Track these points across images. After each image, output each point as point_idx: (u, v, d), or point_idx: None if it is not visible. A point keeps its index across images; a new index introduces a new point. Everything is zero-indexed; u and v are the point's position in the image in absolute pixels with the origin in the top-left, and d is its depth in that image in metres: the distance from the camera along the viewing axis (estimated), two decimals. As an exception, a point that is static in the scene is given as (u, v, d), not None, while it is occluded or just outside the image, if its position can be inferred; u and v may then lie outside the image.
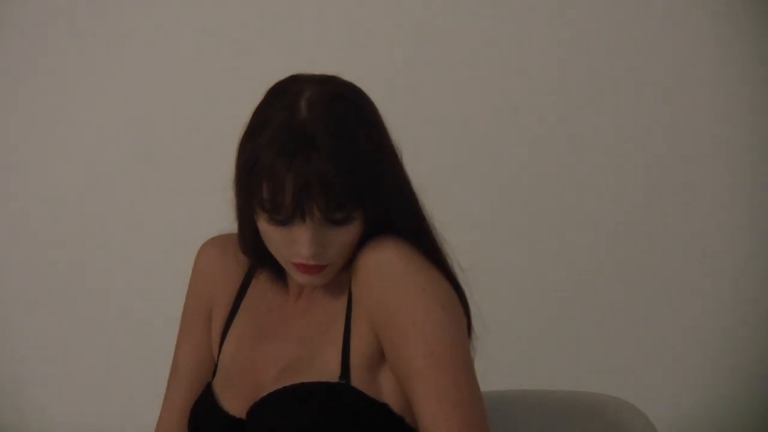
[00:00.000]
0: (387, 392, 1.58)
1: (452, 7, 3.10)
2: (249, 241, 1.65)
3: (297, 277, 1.60)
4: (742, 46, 3.05)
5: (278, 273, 1.68)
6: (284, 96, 1.56)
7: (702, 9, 3.04)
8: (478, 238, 3.03)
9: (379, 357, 1.58)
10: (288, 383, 1.58)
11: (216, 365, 1.74)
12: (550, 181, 3.11)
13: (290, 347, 1.64)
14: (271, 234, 1.57)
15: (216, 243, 1.78)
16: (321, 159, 1.51)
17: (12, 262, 3.22)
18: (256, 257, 1.67)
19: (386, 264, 1.57)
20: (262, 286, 1.73)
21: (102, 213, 3.19)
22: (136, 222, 3.19)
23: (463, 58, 3.10)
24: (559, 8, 3.07)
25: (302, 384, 1.57)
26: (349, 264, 1.62)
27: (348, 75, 1.63)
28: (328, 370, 1.58)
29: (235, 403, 1.64)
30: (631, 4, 3.06)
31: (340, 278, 1.64)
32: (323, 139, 1.51)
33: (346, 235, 1.56)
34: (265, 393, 1.60)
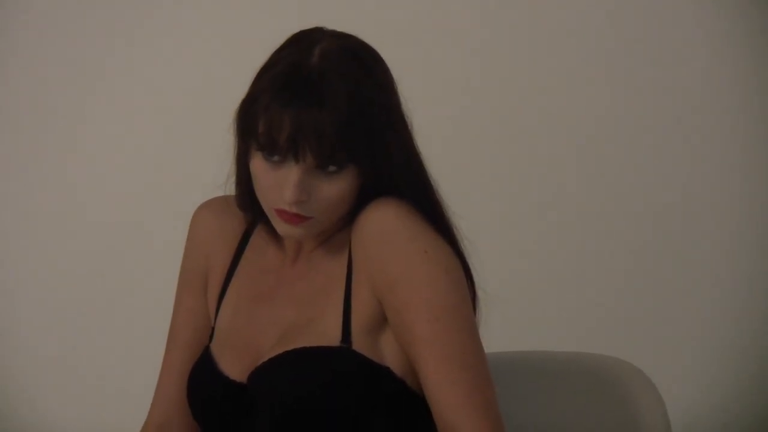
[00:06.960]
0: (388, 356, 1.57)
1: (465, 4, 3.10)
2: (245, 190, 1.63)
3: (277, 226, 1.58)
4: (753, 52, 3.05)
5: (275, 233, 1.65)
6: (301, 42, 1.56)
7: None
8: (486, 211, 3.03)
9: (381, 320, 1.57)
10: (288, 347, 1.57)
11: (213, 329, 1.72)
12: (556, 170, 3.11)
13: (289, 311, 1.62)
14: (261, 177, 1.55)
15: (211, 205, 1.76)
16: (321, 105, 1.49)
17: (12, 262, 3.21)
18: (252, 210, 1.65)
19: (387, 227, 1.55)
20: (258, 248, 1.71)
21: (101, 213, 3.18)
22: (135, 220, 3.18)
23: (475, 59, 3.10)
24: (575, 11, 3.06)
25: (303, 348, 1.56)
26: (348, 226, 1.60)
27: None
28: (328, 334, 1.56)
29: (234, 366, 1.62)
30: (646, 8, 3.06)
31: (339, 240, 1.62)
32: (327, 87, 1.50)
33: (334, 188, 1.54)
34: (265, 357, 1.58)
